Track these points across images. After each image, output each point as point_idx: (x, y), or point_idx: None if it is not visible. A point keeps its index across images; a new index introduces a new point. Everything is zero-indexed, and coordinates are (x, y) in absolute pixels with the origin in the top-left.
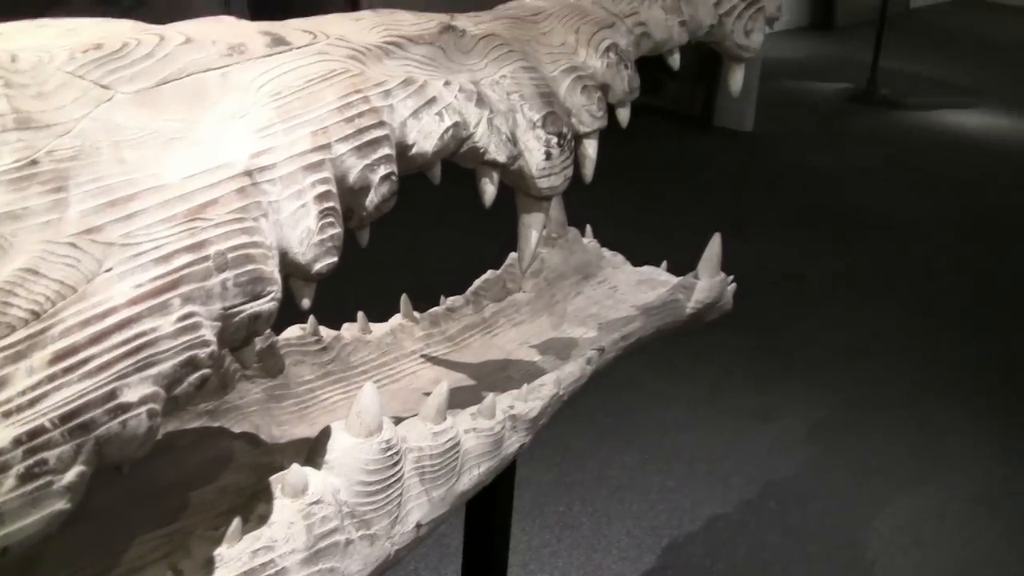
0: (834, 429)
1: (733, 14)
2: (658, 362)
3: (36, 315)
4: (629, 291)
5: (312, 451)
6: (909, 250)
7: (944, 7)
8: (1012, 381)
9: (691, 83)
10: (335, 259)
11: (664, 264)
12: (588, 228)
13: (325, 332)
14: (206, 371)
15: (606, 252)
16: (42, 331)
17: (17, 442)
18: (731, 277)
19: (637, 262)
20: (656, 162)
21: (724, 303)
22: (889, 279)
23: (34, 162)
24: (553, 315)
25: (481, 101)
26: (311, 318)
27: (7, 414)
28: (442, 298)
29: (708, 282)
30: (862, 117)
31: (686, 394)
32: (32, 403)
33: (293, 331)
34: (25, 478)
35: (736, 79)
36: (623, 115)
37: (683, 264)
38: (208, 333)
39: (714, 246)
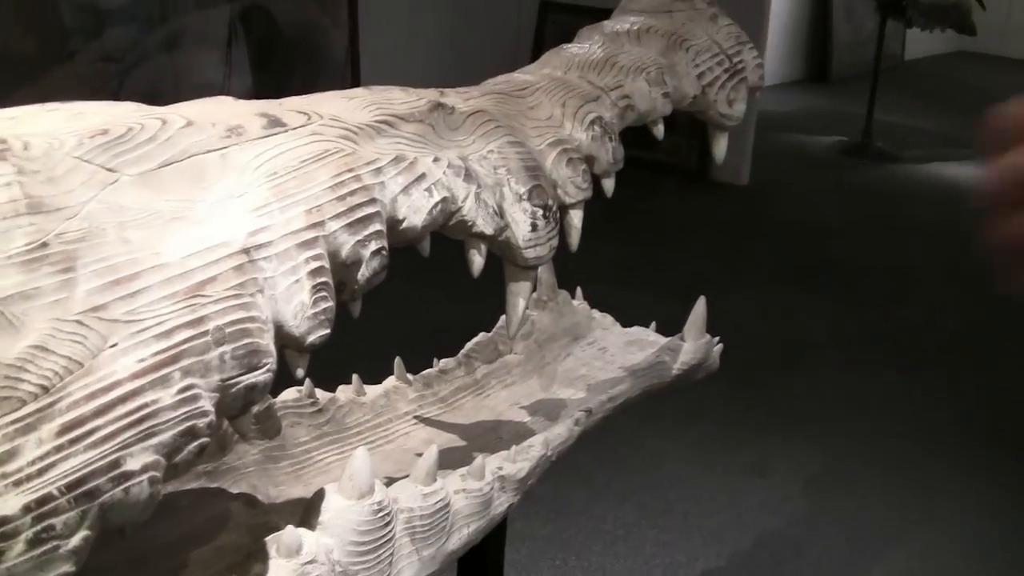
0: (826, 485)
1: (716, 85)
2: (652, 418)
3: (45, 389)
4: (618, 352)
5: (306, 512)
6: (903, 304)
7: (939, 59)
8: (1003, 440)
9: (687, 136)
10: (328, 331)
11: (653, 325)
12: (578, 290)
13: (321, 394)
14: (205, 440)
15: (596, 313)
16: (51, 404)
17: (27, 509)
18: (717, 339)
19: (630, 317)
20: (651, 216)
21: (710, 364)
22: (883, 333)
23: (45, 244)
24: (543, 376)
25: (469, 176)
26: (307, 381)
27: (18, 483)
28: (435, 360)
29: (694, 344)
30: (857, 170)
31: (680, 450)
32: (41, 472)
33: (289, 393)
34: (34, 543)
35: (720, 147)
36: (608, 185)
37: (677, 319)
38: (207, 404)
39: (699, 309)
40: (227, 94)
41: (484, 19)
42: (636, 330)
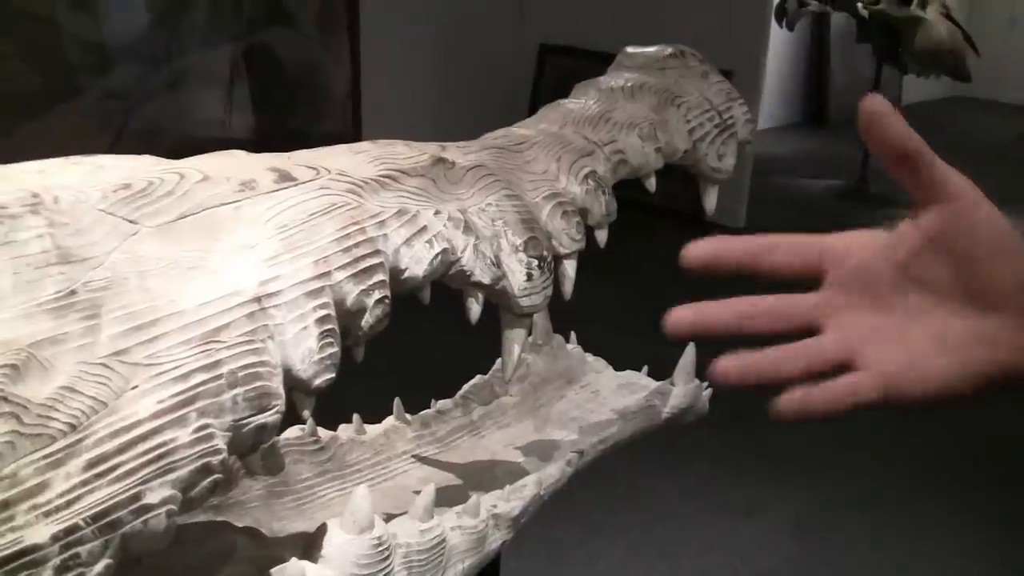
0: (817, 525)
1: (706, 140)
2: (646, 459)
3: (73, 427)
4: (610, 395)
5: (309, 546)
6: None
7: (935, 104)
8: (990, 481)
9: (683, 179)
10: (333, 375)
11: (645, 369)
12: (572, 335)
13: (323, 433)
14: (218, 476)
15: (590, 357)
16: (78, 441)
17: (55, 538)
18: (706, 384)
19: (625, 360)
20: (648, 259)
21: (700, 408)
22: None
23: (72, 292)
24: (537, 418)
25: (468, 228)
26: (310, 420)
27: (47, 513)
28: (433, 401)
29: (683, 388)
30: (853, 214)
31: (672, 490)
32: (68, 504)
33: (293, 432)
34: (61, 569)
35: (710, 200)
36: (601, 236)
37: (672, 362)
38: (220, 442)
39: (689, 355)
40: (229, 131)
41: (484, 59)
42: (628, 374)
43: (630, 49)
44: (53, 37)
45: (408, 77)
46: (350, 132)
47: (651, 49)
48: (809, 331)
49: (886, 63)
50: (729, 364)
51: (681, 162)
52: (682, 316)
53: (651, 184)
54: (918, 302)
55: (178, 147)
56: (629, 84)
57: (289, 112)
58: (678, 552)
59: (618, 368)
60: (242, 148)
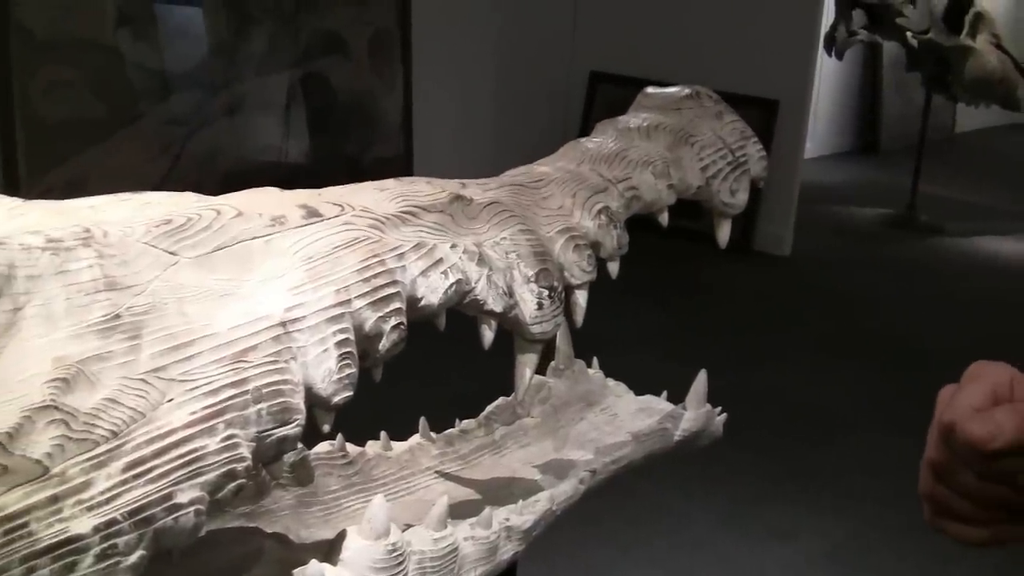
0: (849, 550)
1: (719, 176)
2: (680, 482)
3: (115, 434)
4: (627, 418)
5: (330, 550)
6: (940, 377)
7: (989, 132)
8: None
9: None
10: (351, 393)
11: (664, 394)
12: (595, 360)
13: (351, 448)
14: (242, 481)
15: (610, 382)
16: (119, 446)
17: (96, 530)
18: (719, 408)
19: (661, 386)
20: (692, 286)
21: (713, 431)
22: (920, 407)
23: (117, 316)
24: (556, 439)
25: (482, 260)
26: (339, 436)
27: (90, 508)
28: (457, 420)
29: (694, 413)
30: (901, 243)
31: (706, 514)
32: (108, 501)
33: (323, 447)
34: (101, 557)
35: (723, 233)
36: (613, 268)
37: (713, 389)
38: (245, 451)
39: (700, 380)
40: (284, 156)
41: (535, 87)
42: (647, 398)
43: (649, 90)
44: (116, 65)
45: (459, 104)
46: (402, 157)
47: (668, 90)
48: None
49: (936, 92)
50: None
51: (695, 198)
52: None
53: (664, 219)
54: None
55: (234, 171)
56: (645, 124)
57: (343, 138)
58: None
59: (640, 392)
60: (297, 172)
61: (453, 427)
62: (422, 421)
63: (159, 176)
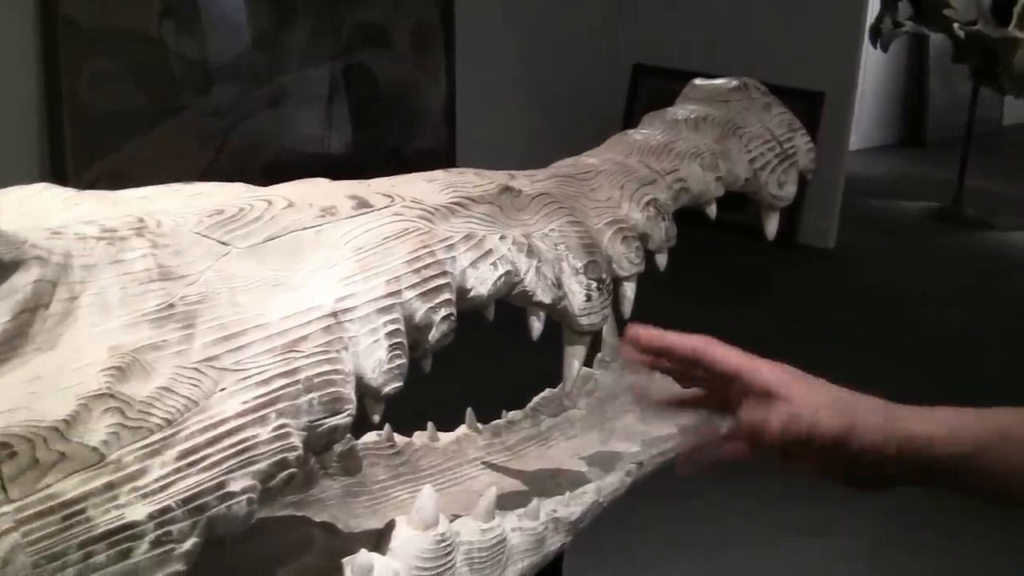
0: (886, 546)
1: (767, 168)
2: (716, 477)
3: (169, 422)
4: (675, 411)
5: (379, 539)
6: (984, 374)
7: None
8: None
9: None
10: (401, 384)
11: None
12: None
13: (398, 438)
14: (293, 470)
15: (656, 374)
16: (173, 434)
17: (151, 517)
18: None
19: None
20: (736, 278)
21: None
22: (962, 404)
23: (171, 306)
24: (603, 431)
25: (531, 252)
26: (387, 426)
27: (145, 495)
28: (503, 412)
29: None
30: (946, 237)
31: (745, 507)
32: (163, 488)
33: (370, 437)
34: (155, 544)
35: (771, 226)
36: (661, 260)
37: None
38: (296, 441)
39: None
40: (327, 148)
41: (578, 79)
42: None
43: (696, 81)
44: (160, 57)
45: (502, 96)
46: (444, 149)
47: (716, 82)
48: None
49: (984, 84)
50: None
51: (743, 190)
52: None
53: (712, 211)
54: None
55: (276, 163)
56: (693, 116)
57: (385, 129)
58: (752, 570)
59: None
60: (339, 164)
61: (499, 418)
62: (469, 412)
63: (202, 167)
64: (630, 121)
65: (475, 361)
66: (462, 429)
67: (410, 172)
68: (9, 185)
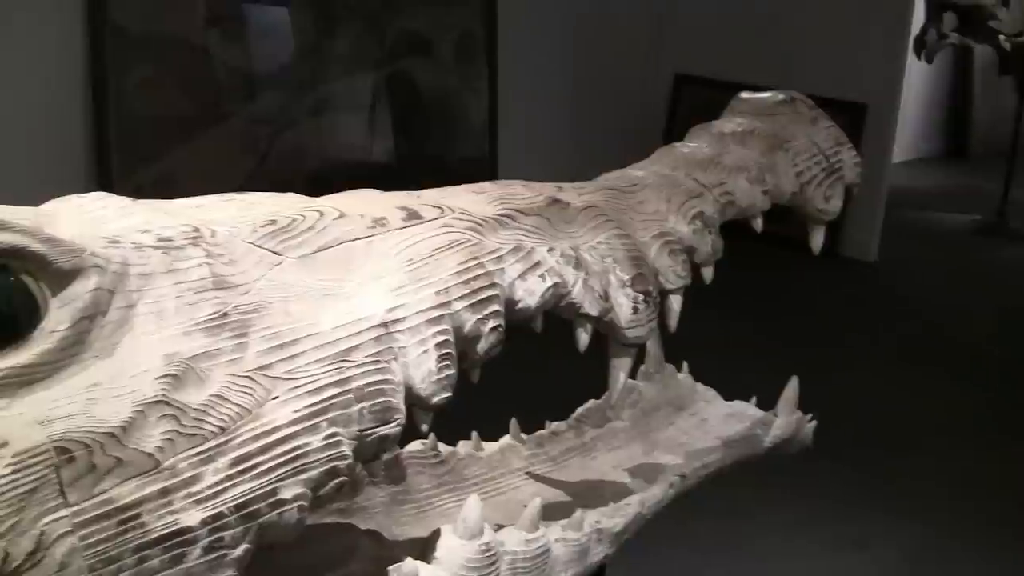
0: (930, 559)
1: (813, 183)
2: (762, 488)
3: (223, 429)
4: (717, 424)
5: (424, 548)
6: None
7: None
8: None
9: None
10: (450, 394)
11: (754, 400)
12: (684, 365)
13: (443, 448)
14: (344, 478)
15: (700, 387)
16: (226, 442)
17: (204, 523)
18: (809, 416)
19: (744, 391)
20: (778, 290)
21: (803, 438)
22: (1001, 417)
23: (225, 314)
24: (646, 442)
25: (579, 264)
26: (431, 435)
27: (198, 501)
28: (547, 422)
29: (785, 420)
30: (990, 250)
31: (785, 520)
32: (216, 495)
33: (415, 445)
34: (208, 550)
35: (816, 240)
36: (707, 273)
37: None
38: (347, 449)
39: (792, 387)
40: (369, 155)
41: (620, 88)
42: (737, 404)
43: (743, 95)
44: (205, 64)
45: (543, 105)
46: (486, 157)
47: (763, 95)
48: None
49: None
50: None
51: (789, 204)
52: None
53: (758, 224)
54: None
55: (319, 171)
56: (740, 129)
57: (427, 138)
58: None
59: (727, 397)
60: (382, 172)
61: (542, 428)
62: (513, 422)
63: (245, 175)
64: (671, 131)
65: (517, 371)
66: (506, 439)
67: (452, 180)
68: (55, 189)
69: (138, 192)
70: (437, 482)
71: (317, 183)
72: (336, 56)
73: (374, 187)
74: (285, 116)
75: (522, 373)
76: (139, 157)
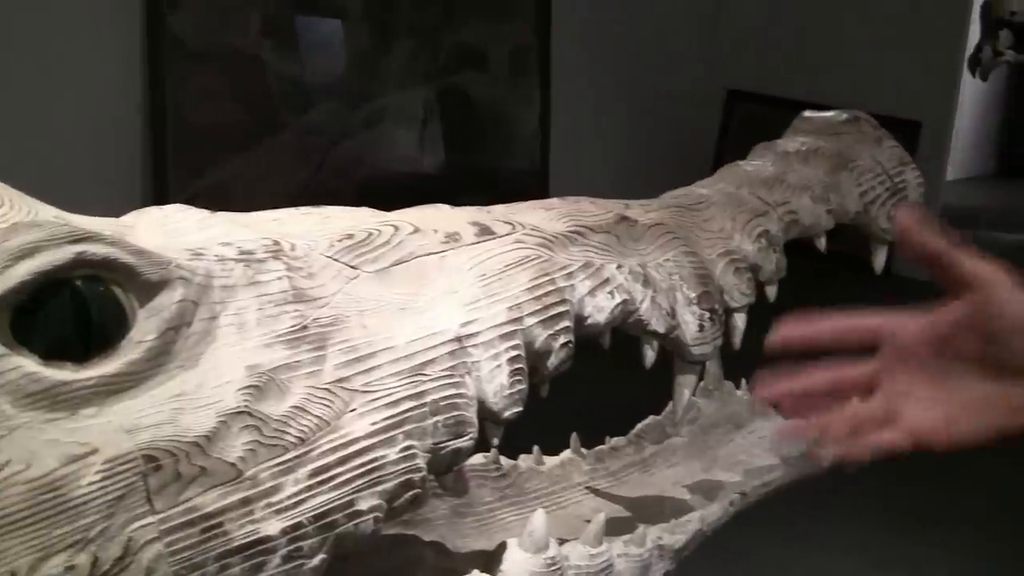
0: None
1: (877, 202)
2: (816, 508)
3: (302, 441)
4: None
5: (489, 561)
6: None
7: None
8: None
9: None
10: (521, 408)
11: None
12: (743, 382)
13: (505, 461)
14: (418, 491)
15: (758, 406)
16: (306, 453)
17: (284, 532)
18: None
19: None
20: (832, 308)
21: None
22: None
23: (305, 327)
24: (704, 459)
25: (647, 281)
26: (493, 449)
27: (279, 511)
28: (607, 438)
29: None
30: None
31: (839, 541)
32: (296, 505)
33: (477, 458)
34: (287, 559)
35: (879, 260)
36: (771, 291)
37: None
38: (421, 462)
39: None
40: (421, 167)
41: (672, 103)
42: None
43: (807, 113)
44: (260, 76)
45: (595, 118)
46: (537, 171)
47: (827, 114)
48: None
49: None
50: (785, 391)
51: (852, 223)
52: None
53: (821, 243)
54: (954, 371)
55: (373, 182)
56: (804, 148)
57: (480, 151)
58: None
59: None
60: (434, 184)
61: (603, 444)
62: (574, 437)
63: (300, 186)
64: (722, 145)
65: (579, 387)
66: (566, 454)
67: (504, 193)
68: (113, 196)
69: (193, 201)
70: (499, 495)
71: (371, 195)
72: (390, 69)
73: (430, 199)
74: (340, 128)
75: (582, 387)
76: (195, 166)
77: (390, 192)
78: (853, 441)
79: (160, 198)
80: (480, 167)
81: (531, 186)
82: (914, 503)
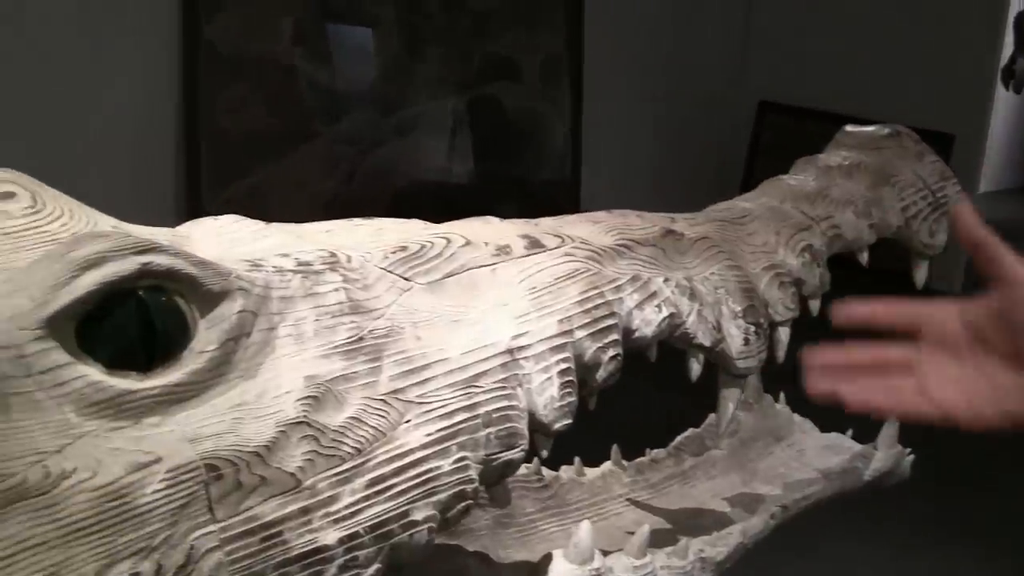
0: None
1: (919, 217)
2: (849, 520)
3: (359, 451)
4: (815, 455)
5: (533, 572)
6: None
7: None
8: None
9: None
10: (570, 420)
11: (850, 432)
12: (781, 395)
13: (546, 472)
14: (470, 502)
15: (797, 418)
16: (362, 463)
17: (341, 542)
18: (908, 450)
19: (832, 424)
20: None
21: (901, 472)
22: None
23: (360, 339)
24: (744, 472)
25: (693, 295)
26: (535, 460)
27: (335, 521)
28: (647, 450)
29: (885, 453)
30: None
31: (870, 552)
32: (352, 515)
33: (519, 470)
34: (343, 568)
35: (920, 274)
36: (814, 306)
37: (876, 429)
38: (474, 473)
39: (892, 423)
40: (453, 177)
41: (703, 114)
42: (834, 436)
43: (848, 128)
44: (293, 84)
45: (627, 129)
46: (569, 182)
47: (868, 129)
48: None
49: None
50: (830, 359)
51: (894, 237)
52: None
53: (863, 258)
54: (983, 357)
55: (406, 191)
56: (846, 163)
57: (512, 160)
58: None
59: (824, 430)
60: (466, 193)
61: (643, 456)
62: (614, 448)
63: (332, 194)
64: (754, 157)
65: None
66: (607, 465)
67: (534, 203)
68: (147, 203)
69: (225, 208)
70: (540, 506)
71: (403, 204)
72: (423, 78)
73: (459, 208)
74: (372, 137)
75: (624, 401)
76: (229, 174)
77: (424, 202)
78: (884, 396)
79: (193, 205)
80: (511, 177)
81: (562, 197)
82: (947, 513)
